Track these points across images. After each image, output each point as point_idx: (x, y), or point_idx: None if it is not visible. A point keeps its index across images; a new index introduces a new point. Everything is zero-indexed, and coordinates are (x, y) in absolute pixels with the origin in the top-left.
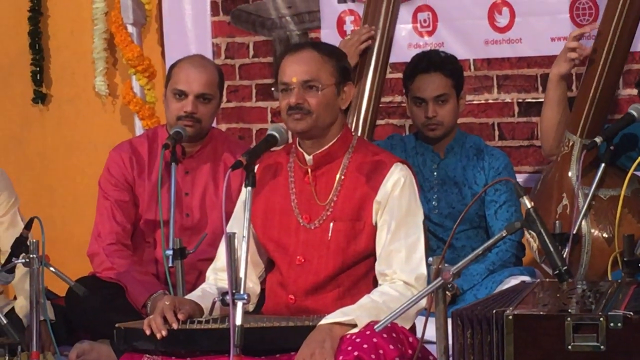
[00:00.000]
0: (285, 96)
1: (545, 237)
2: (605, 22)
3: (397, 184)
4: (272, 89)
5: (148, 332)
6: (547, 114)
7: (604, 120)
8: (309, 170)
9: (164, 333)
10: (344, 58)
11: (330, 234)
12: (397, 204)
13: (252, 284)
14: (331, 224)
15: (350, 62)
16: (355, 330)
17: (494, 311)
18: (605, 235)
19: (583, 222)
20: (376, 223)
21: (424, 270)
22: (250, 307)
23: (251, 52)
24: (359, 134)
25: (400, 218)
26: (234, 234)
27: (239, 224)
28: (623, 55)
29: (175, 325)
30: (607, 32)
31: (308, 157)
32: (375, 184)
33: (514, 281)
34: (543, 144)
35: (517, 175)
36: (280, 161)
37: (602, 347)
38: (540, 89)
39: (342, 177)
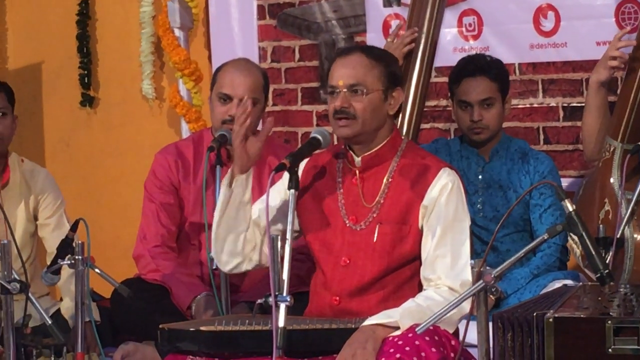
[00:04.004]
0: (332, 100)
1: (587, 240)
2: None
3: (445, 189)
4: (321, 91)
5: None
6: (587, 120)
7: None
8: (357, 172)
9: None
10: (393, 63)
11: (375, 236)
12: (444, 209)
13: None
14: (377, 226)
15: None
16: (397, 332)
17: (535, 314)
18: None
19: (626, 227)
20: (422, 227)
21: (469, 276)
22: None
23: (297, 56)
24: (403, 137)
25: (447, 223)
26: (277, 236)
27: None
28: None
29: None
30: None
31: (357, 159)
32: (422, 188)
33: (557, 285)
34: (584, 149)
35: (562, 180)
36: (329, 162)
37: None
38: (585, 93)
39: (390, 180)
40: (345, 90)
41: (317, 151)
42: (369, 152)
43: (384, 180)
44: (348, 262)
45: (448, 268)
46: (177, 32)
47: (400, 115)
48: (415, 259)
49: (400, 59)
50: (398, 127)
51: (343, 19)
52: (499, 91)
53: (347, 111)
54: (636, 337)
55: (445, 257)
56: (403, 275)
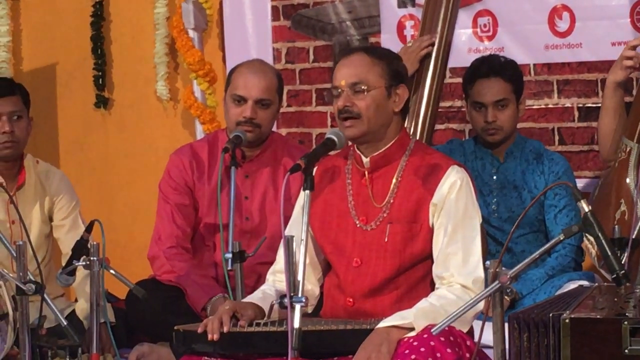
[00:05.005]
0: (336, 100)
1: (603, 240)
2: None
3: (454, 186)
4: (325, 93)
5: (200, 331)
6: (604, 120)
7: None
8: (366, 172)
9: (215, 337)
10: (396, 61)
11: (386, 236)
12: (454, 206)
13: (311, 286)
14: (388, 226)
15: (410, 69)
16: (412, 333)
17: (551, 315)
18: None
19: None
20: (433, 225)
21: (481, 273)
22: (309, 309)
23: (311, 57)
24: (418, 138)
25: (457, 221)
26: (293, 237)
27: (297, 227)
28: None
29: (225, 328)
30: None
31: (365, 160)
32: (432, 186)
33: (572, 286)
34: (601, 150)
35: (577, 180)
36: (339, 164)
37: None
38: (601, 93)
39: (399, 180)
40: (347, 89)
41: (331, 153)
42: (378, 153)
43: (393, 179)
44: (360, 263)
45: (460, 265)
46: (191, 33)
47: (415, 116)
48: (427, 257)
49: (416, 63)
50: (412, 128)
51: (357, 20)
52: (513, 92)
53: (350, 110)
54: None
55: (457, 254)
56: (416, 274)
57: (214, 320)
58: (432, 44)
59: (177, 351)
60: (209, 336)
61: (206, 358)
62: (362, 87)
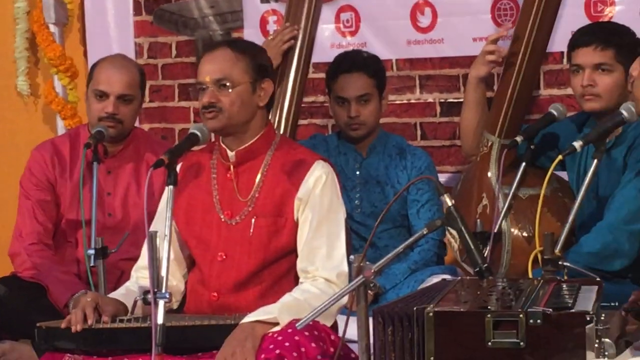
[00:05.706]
0: (201, 95)
1: (466, 234)
2: (521, 24)
3: (319, 181)
4: (190, 89)
5: (64, 326)
6: (466, 115)
7: (522, 120)
8: (231, 166)
9: (79, 327)
10: (261, 55)
11: (251, 230)
12: (319, 200)
13: (176, 282)
14: (253, 220)
15: (273, 62)
16: (277, 328)
17: (415, 308)
18: (525, 234)
19: (503, 222)
20: (298, 219)
21: (345, 267)
22: (175, 305)
23: (174, 52)
24: (281, 132)
25: (322, 215)
26: (156, 232)
27: (162, 223)
28: (539, 56)
29: (90, 321)
30: (524, 34)
31: (230, 154)
32: (297, 180)
33: (435, 280)
34: (463, 144)
35: (440, 175)
36: (204, 159)
37: (521, 343)
38: (462, 89)
39: (264, 174)
40: (212, 85)
41: (195, 148)
42: (243, 147)
43: (259, 174)
44: (225, 257)
45: (324, 259)
46: (52, 28)
47: (278, 111)
48: (291, 252)
49: (279, 56)
50: (276, 123)
51: (220, 15)
52: (376, 87)
53: (214, 105)
54: (515, 330)
55: (321, 248)
56: (280, 269)
57: (77, 312)
58: (295, 37)
59: (40, 349)
60: (72, 328)
61: (69, 355)
62: (227, 84)
